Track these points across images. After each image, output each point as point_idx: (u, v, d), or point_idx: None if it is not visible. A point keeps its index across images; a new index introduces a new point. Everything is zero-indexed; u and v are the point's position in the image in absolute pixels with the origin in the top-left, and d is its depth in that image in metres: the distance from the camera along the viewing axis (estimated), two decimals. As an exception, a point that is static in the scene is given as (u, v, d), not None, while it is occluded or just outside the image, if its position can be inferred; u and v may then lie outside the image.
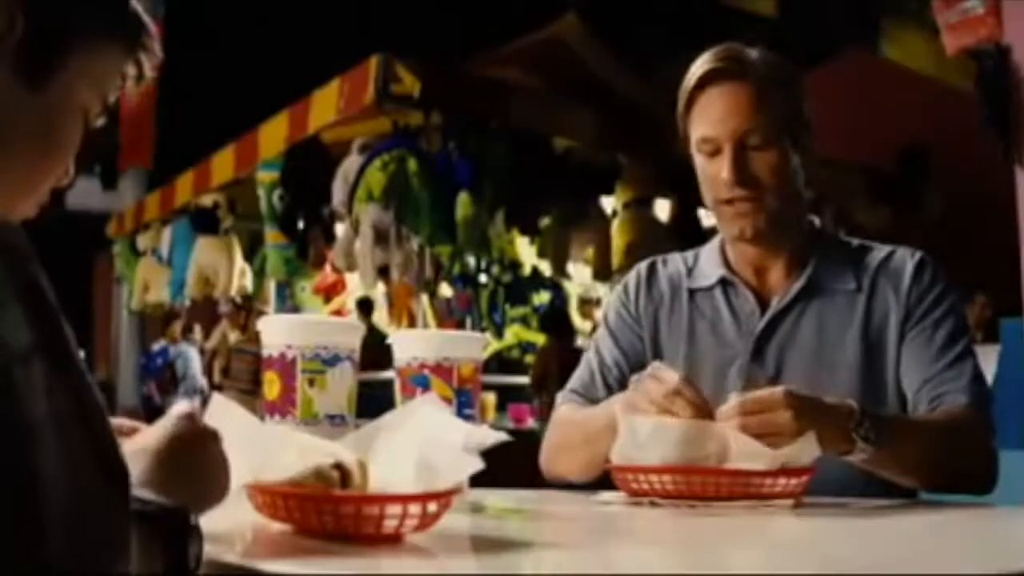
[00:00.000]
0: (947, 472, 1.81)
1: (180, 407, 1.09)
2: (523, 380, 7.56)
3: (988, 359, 3.60)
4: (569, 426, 2.03)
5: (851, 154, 7.73)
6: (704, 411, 1.63)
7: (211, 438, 1.07)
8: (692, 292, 2.07)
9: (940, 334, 1.92)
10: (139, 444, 1.01)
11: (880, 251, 2.03)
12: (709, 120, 1.91)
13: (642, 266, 2.16)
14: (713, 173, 1.92)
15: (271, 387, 1.55)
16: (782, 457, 1.56)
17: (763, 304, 2.00)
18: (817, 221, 2.07)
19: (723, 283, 2.04)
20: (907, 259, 2.00)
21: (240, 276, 8.55)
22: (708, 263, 2.08)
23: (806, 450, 1.56)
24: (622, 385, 2.00)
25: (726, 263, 2.05)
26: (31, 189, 0.98)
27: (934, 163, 7.07)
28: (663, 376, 1.67)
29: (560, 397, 2.13)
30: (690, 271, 2.10)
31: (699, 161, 1.95)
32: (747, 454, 1.57)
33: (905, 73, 6.02)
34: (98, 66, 0.99)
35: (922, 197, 7.13)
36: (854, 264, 2.01)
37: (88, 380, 0.76)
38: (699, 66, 1.92)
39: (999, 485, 1.84)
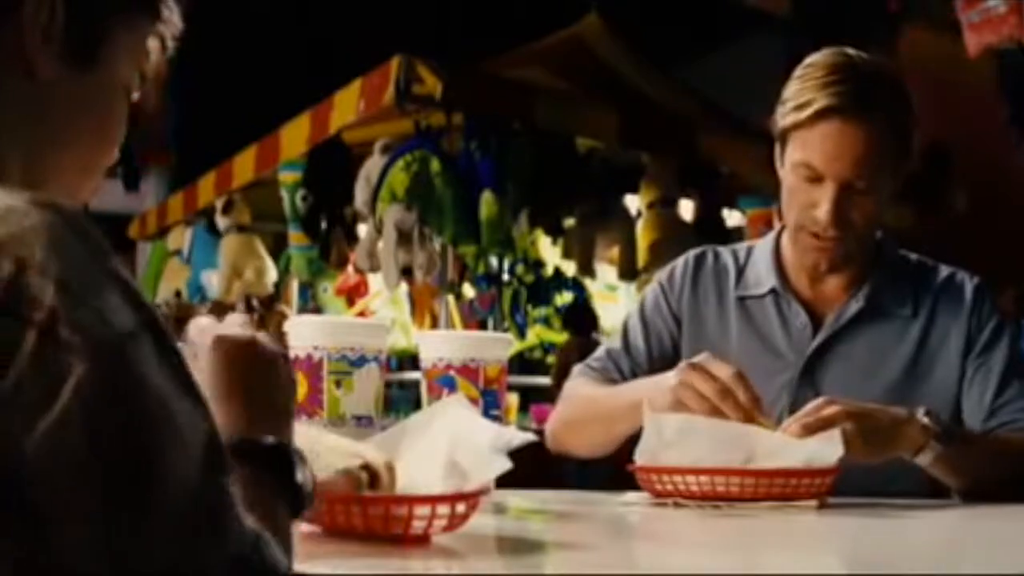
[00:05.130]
0: (1013, 485, 1.76)
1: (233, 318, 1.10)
2: (545, 381, 7.53)
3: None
4: (584, 401, 2.01)
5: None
6: (752, 413, 1.60)
7: (273, 357, 1.05)
8: (740, 298, 2.01)
9: (1003, 365, 1.89)
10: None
11: (939, 273, 1.98)
12: (819, 153, 1.79)
13: (691, 256, 2.08)
14: (806, 201, 1.83)
15: (298, 388, 1.55)
16: (808, 453, 1.56)
17: (815, 317, 1.95)
18: (879, 234, 1.99)
19: (774, 293, 1.98)
20: (966, 283, 1.95)
21: (251, 277, 8.41)
22: (761, 267, 2.01)
23: (830, 448, 1.56)
24: (635, 373, 1.99)
25: (779, 268, 1.99)
26: (92, 171, 0.99)
27: (956, 161, 7.04)
28: (714, 370, 1.64)
29: (576, 369, 2.11)
30: (740, 272, 2.03)
31: (791, 180, 1.85)
32: (772, 452, 1.57)
33: (923, 72, 5.99)
34: (134, 38, 1.00)
35: (946, 195, 7.10)
36: (913, 286, 1.95)
37: (184, 358, 0.78)
38: (818, 93, 1.78)
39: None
